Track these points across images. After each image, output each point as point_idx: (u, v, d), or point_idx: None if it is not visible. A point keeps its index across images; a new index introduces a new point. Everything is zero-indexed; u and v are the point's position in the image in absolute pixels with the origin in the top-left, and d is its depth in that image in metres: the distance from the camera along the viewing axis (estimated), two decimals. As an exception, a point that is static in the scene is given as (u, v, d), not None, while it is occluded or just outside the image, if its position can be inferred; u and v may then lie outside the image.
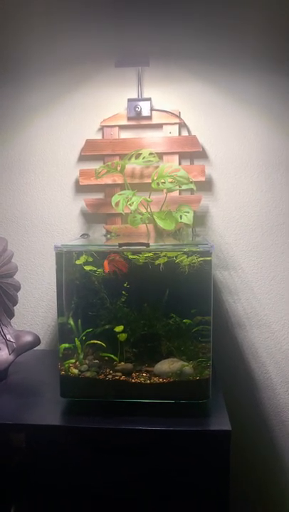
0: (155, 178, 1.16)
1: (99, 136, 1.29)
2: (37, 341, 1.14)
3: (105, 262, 0.93)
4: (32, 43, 1.28)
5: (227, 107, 1.26)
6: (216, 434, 0.84)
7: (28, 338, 1.12)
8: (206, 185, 1.27)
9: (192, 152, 1.25)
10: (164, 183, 1.13)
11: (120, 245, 0.91)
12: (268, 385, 1.31)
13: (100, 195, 1.29)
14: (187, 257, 0.94)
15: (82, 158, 1.30)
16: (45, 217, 1.33)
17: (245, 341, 1.31)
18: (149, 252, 0.94)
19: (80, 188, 1.31)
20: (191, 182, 1.15)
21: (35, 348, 1.15)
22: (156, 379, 0.92)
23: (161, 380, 0.92)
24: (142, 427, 0.85)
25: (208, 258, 0.92)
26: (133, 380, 0.92)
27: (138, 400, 0.92)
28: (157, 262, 0.95)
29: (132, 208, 1.09)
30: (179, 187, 1.16)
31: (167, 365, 0.93)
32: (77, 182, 1.30)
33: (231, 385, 1.29)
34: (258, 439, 1.31)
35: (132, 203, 1.09)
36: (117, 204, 1.12)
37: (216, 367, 1.14)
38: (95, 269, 0.96)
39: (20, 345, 1.10)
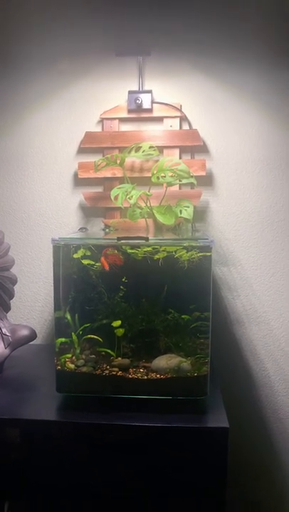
0: (155, 172, 1.14)
1: (99, 129, 1.27)
2: (33, 335, 1.12)
3: (102, 259, 0.92)
4: (31, 35, 1.26)
5: (228, 101, 1.24)
6: (213, 431, 0.83)
7: (25, 332, 1.11)
8: (207, 180, 1.25)
9: (193, 146, 1.23)
10: (164, 177, 1.12)
11: (119, 239, 0.90)
12: (265, 383, 1.30)
13: (99, 189, 1.28)
14: (187, 252, 0.93)
15: (82, 150, 1.28)
16: (42, 210, 1.31)
17: (243, 338, 1.30)
18: (148, 246, 0.93)
19: (78, 181, 1.29)
20: (192, 176, 1.13)
21: (31, 343, 1.14)
22: (153, 375, 0.91)
23: (158, 376, 0.91)
24: (139, 423, 0.84)
25: (209, 253, 0.90)
26: (130, 376, 0.91)
27: (135, 395, 0.91)
28: (156, 256, 0.94)
29: (132, 201, 1.07)
30: (180, 181, 1.14)
31: (165, 361, 0.92)
32: (75, 175, 1.28)
33: (229, 382, 1.28)
34: (255, 436, 1.31)
35: (132, 196, 1.07)
36: (116, 198, 1.10)
37: (214, 363, 1.13)
38: (93, 263, 0.95)
39: (16, 339, 1.09)
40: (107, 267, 0.91)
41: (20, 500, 0.93)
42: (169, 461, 0.84)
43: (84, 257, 0.95)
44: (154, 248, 0.94)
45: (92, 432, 0.85)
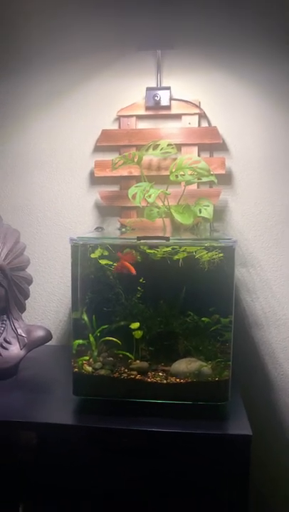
0: (174, 170, 1.11)
1: (115, 127, 1.25)
2: (49, 336, 1.11)
3: (126, 264, 0.90)
4: (44, 32, 1.24)
5: (249, 98, 1.21)
6: (235, 439, 0.80)
7: (40, 333, 1.09)
8: (226, 179, 1.22)
9: (212, 144, 1.20)
10: (184, 175, 1.09)
11: (139, 238, 0.87)
12: (285, 388, 1.26)
13: (115, 188, 1.25)
14: (207, 253, 0.90)
15: (98, 149, 1.26)
16: (58, 209, 1.29)
17: (262, 341, 1.26)
18: (167, 246, 0.90)
19: (94, 180, 1.27)
20: (212, 174, 1.10)
21: (46, 344, 1.12)
22: (172, 379, 0.89)
23: (178, 380, 0.88)
24: (157, 428, 0.81)
25: (231, 254, 0.87)
26: (149, 380, 0.88)
27: (153, 400, 0.88)
28: (176, 257, 0.91)
29: (150, 200, 1.04)
30: (199, 179, 1.11)
31: (185, 365, 0.90)
32: (91, 174, 1.26)
33: (247, 386, 1.25)
34: (276, 444, 1.27)
35: (150, 195, 1.05)
36: (133, 196, 1.08)
37: (232, 367, 1.10)
38: (111, 263, 0.93)
39: (31, 340, 1.07)
40: (133, 271, 0.89)
41: (34, 502, 0.91)
42: (187, 469, 0.82)
43: (101, 256, 0.93)
44: (173, 248, 0.91)
45: (109, 437, 0.83)
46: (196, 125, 1.21)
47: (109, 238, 1.00)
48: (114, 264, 0.92)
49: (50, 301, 1.32)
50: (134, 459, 0.83)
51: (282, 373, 1.26)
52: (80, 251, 0.91)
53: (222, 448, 0.81)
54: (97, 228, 1.21)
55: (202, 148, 1.21)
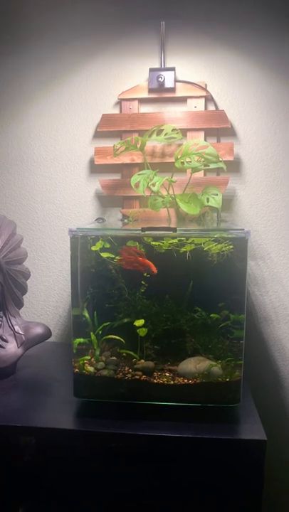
0: (179, 157, 1.04)
1: (116, 111, 1.18)
2: (48, 334, 1.05)
3: (147, 262, 0.83)
4: (42, 11, 1.16)
5: (259, 80, 1.13)
6: (248, 444, 0.74)
7: (39, 330, 1.03)
8: (234, 166, 1.15)
9: (219, 129, 1.13)
10: (190, 161, 1.02)
11: (143, 230, 0.81)
12: (296, 386, 1.21)
13: (117, 176, 1.18)
14: (217, 245, 0.84)
15: (98, 135, 1.19)
16: (56, 199, 1.23)
17: (271, 337, 1.21)
18: (173, 238, 0.84)
19: (94, 168, 1.20)
20: (221, 161, 1.03)
21: (45, 341, 1.07)
22: (180, 379, 0.83)
23: (186, 380, 0.83)
24: (164, 433, 0.76)
25: (243, 246, 0.81)
26: (155, 380, 0.83)
27: (160, 402, 0.83)
28: (183, 249, 0.85)
29: (155, 189, 0.98)
30: (207, 166, 1.04)
31: (193, 365, 0.84)
32: (92, 161, 1.19)
33: (256, 384, 1.19)
34: (288, 447, 1.22)
35: (154, 183, 0.98)
36: (136, 185, 1.01)
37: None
38: (113, 256, 0.87)
39: (29, 337, 1.01)
40: (154, 270, 0.82)
41: (35, 507, 0.86)
42: (196, 477, 0.76)
43: (103, 249, 0.87)
44: (180, 240, 0.85)
45: (113, 443, 0.77)
46: (203, 109, 1.13)
47: (110, 230, 0.94)
48: (117, 257, 0.85)
49: (49, 296, 1.26)
50: (139, 466, 0.77)
51: (293, 370, 1.21)
52: (79, 243, 0.84)
53: (235, 454, 0.75)
54: (97, 219, 1.15)
55: (209, 133, 1.14)
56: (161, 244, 0.86)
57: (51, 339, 1.19)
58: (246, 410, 0.83)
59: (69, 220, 1.22)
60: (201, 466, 0.76)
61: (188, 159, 1.03)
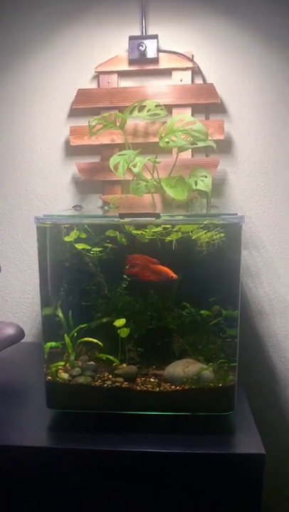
0: (163, 135, 0.94)
1: (94, 86, 1.06)
2: (20, 335, 0.94)
3: (164, 269, 0.73)
4: None
5: (252, 50, 1.02)
6: (245, 459, 0.65)
7: (10, 331, 0.93)
8: (225, 146, 1.05)
9: (208, 104, 1.02)
10: (176, 140, 0.91)
11: (122, 216, 0.70)
12: (293, 384, 1.13)
13: (96, 159, 1.07)
14: (206, 232, 0.74)
15: (74, 113, 1.07)
16: (30, 186, 1.11)
17: (266, 332, 1.12)
18: (157, 225, 0.74)
19: (71, 150, 1.08)
20: (210, 139, 0.93)
21: (22, 341, 0.96)
22: (166, 386, 0.74)
23: (173, 387, 0.73)
24: (148, 448, 0.67)
25: (237, 233, 0.71)
26: (138, 387, 0.73)
27: (144, 412, 0.73)
28: (168, 238, 0.75)
29: (136, 170, 0.87)
30: (194, 145, 0.93)
31: (181, 368, 0.74)
32: (67, 142, 1.08)
33: (250, 384, 1.11)
34: (286, 457, 1.14)
35: (135, 164, 0.87)
36: (116, 167, 0.90)
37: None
38: (89, 247, 0.76)
39: (-1, 340, 0.91)
40: (173, 275, 0.73)
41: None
42: (185, 497, 0.67)
43: (78, 240, 0.76)
44: (165, 228, 0.75)
45: (92, 461, 0.68)
46: (189, 82, 1.02)
47: (82, 217, 0.83)
48: (94, 249, 0.75)
49: (24, 292, 1.15)
50: (121, 486, 0.68)
51: (290, 367, 1.12)
52: (49, 233, 0.74)
53: (229, 469, 0.66)
54: (74, 207, 1.03)
55: (196, 109, 1.03)
56: (144, 233, 0.76)
57: (27, 339, 1.09)
58: (241, 418, 0.75)
59: (44, 208, 1.11)
60: (191, 484, 0.67)
61: (173, 137, 0.92)
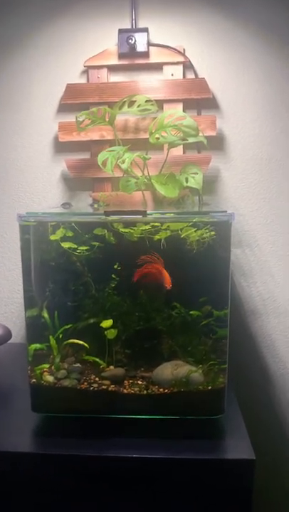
0: (154, 131, 0.91)
1: (83, 81, 1.03)
2: (7, 335, 0.92)
3: (163, 272, 0.71)
4: None
5: (247, 42, 1.00)
6: (235, 465, 0.63)
7: (-4, 333, 0.90)
8: (217, 142, 1.02)
9: (200, 100, 1.00)
10: (166, 136, 0.89)
11: (107, 214, 0.68)
12: (287, 386, 1.10)
13: (86, 155, 1.05)
14: (196, 231, 0.72)
15: (63, 108, 1.04)
16: (17, 182, 1.08)
17: (260, 332, 1.10)
18: (145, 223, 0.71)
19: (60, 147, 1.06)
20: (202, 135, 0.90)
21: (9, 342, 0.94)
22: (155, 388, 0.71)
23: (161, 390, 0.71)
24: (137, 453, 0.65)
25: (227, 231, 0.69)
26: (125, 390, 0.71)
27: (131, 416, 0.71)
28: (157, 236, 0.73)
29: (124, 166, 0.84)
30: (185, 140, 0.91)
31: (170, 371, 0.72)
32: (56, 139, 1.05)
33: (242, 386, 1.09)
34: (280, 462, 1.12)
35: (124, 160, 0.85)
36: (104, 163, 0.88)
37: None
38: (75, 246, 0.74)
39: (-15, 341, 0.89)
40: (168, 285, 0.71)
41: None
42: (175, 504, 0.65)
43: (64, 238, 0.74)
44: (153, 226, 0.72)
45: (77, 467, 0.65)
46: (181, 77, 1.00)
47: (66, 214, 0.80)
48: (80, 248, 0.73)
49: (13, 292, 1.13)
50: (108, 494, 0.66)
51: (283, 368, 1.10)
52: (33, 231, 0.71)
53: (218, 475, 0.64)
54: (63, 204, 1.01)
55: (188, 105, 1.01)
56: (132, 231, 0.74)
57: (16, 340, 1.07)
58: (232, 421, 0.72)
59: (32, 206, 1.08)
60: (179, 491, 0.65)
61: (163, 133, 0.89)
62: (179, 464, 0.64)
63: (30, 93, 1.05)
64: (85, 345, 0.72)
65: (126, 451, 0.65)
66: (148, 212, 0.68)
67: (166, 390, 0.71)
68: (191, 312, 0.73)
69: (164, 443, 0.66)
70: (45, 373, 0.73)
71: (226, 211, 0.68)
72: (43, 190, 1.08)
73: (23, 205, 1.09)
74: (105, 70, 1.01)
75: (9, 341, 0.95)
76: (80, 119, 0.93)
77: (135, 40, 0.97)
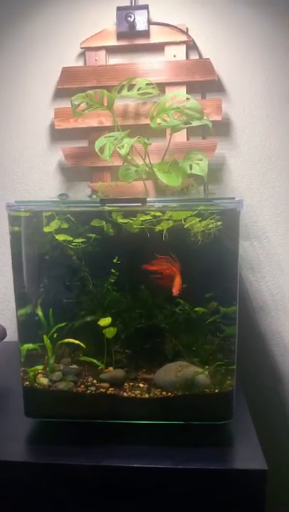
0: (155, 115, 0.85)
1: (80, 63, 0.97)
2: (1, 334, 0.87)
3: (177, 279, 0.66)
4: None
5: (254, 20, 0.93)
6: (245, 475, 0.58)
7: (-11, 331, 0.86)
8: (223, 128, 0.96)
9: (204, 82, 0.94)
10: (168, 119, 0.83)
11: (103, 202, 0.62)
12: (298, 385, 1.05)
13: (84, 143, 0.99)
14: (201, 221, 0.66)
15: (59, 93, 0.99)
16: (13, 172, 1.03)
17: (269, 329, 1.04)
18: (146, 213, 0.66)
19: (57, 134, 1.00)
20: (206, 119, 0.84)
21: (4, 340, 0.89)
22: (157, 392, 0.67)
23: (164, 393, 0.66)
24: (136, 463, 0.60)
25: (235, 220, 0.63)
26: (125, 394, 0.66)
27: (132, 421, 0.66)
28: (158, 227, 0.67)
29: (123, 152, 0.79)
30: (188, 124, 0.85)
31: (174, 372, 0.67)
32: (52, 126, 1.00)
33: (250, 384, 1.03)
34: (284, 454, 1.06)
35: (123, 146, 0.79)
36: (101, 150, 0.82)
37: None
38: (71, 238, 0.68)
39: (-23, 340, 0.84)
40: (176, 292, 0.66)
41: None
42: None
43: (59, 230, 0.69)
44: (155, 216, 0.67)
45: (74, 477, 0.60)
46: (184, 58, 0.94)
47: (59, 203, 0.75)
48: (76, 240, 0.68)
49: (9, 288, 1.08)
50: (107, 505, 0.61)
51: (294, 367, 1.04)
52: (24, 222, 0.66)
53: (227, 487, 0.59)
54: (60, 195, 0.95)
55: (192, 88, 0.95)
56: (131, 221, 0.68)
57: (12, 339, 1.02)
58: (241, 427, 0.67)
59: (28, 197, 1.03)
60: (184, 502, 0.60)
61: (165, 117, 0.83)
62: (183, 475, 0.59)
63: (25, 77, 0.99)
64: (82, 345, 0.67)
65: (126, 460, 0.60)
66: (148, 199, 0.62)
67: (170, 394, 0.66)
68: (197, 309, 0.68)
69: (167, 451, 0.61)
70: (39, 375, 0.68)
71: (233, 198, 0.62)
72: (39, 181, 1.03)
73: (19, 197, 1.03)
74: (103, 52, 0.95)
75: (4, 340, 0.90)
76: (76, 103, 0.87)
77: (134, 18, 0.90)
